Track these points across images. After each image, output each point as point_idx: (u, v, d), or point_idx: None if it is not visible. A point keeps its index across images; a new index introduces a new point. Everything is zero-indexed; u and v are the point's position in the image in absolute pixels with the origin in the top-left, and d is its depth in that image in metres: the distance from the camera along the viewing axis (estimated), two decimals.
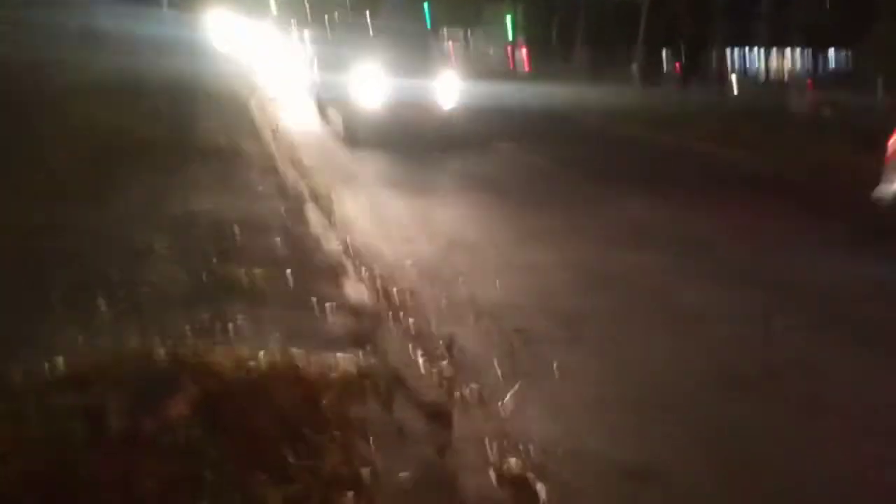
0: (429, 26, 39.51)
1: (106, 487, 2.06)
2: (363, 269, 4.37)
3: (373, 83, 9.64)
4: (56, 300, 3.36)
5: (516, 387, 3.08)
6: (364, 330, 3.34)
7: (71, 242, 4.21)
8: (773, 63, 34.98)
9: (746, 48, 35.63)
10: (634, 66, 27.12)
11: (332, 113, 11.08)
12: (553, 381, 3.25)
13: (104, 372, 2.64)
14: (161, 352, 2.82)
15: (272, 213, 5.20)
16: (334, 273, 4.08)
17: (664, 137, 12.29)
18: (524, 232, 5.94)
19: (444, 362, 3.20)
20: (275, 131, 9.71)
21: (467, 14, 39.98)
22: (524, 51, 32.24)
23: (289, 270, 3.99)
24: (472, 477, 2.33)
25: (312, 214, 5.35)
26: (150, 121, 8.37)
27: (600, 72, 28.51)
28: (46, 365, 2.64)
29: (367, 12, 17.66)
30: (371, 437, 2.42)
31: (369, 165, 8.70)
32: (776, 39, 33.24)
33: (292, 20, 20.23)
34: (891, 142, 6.16)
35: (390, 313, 3.70)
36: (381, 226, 5.86)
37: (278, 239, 4.58)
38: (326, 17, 17.31)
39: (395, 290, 4.10)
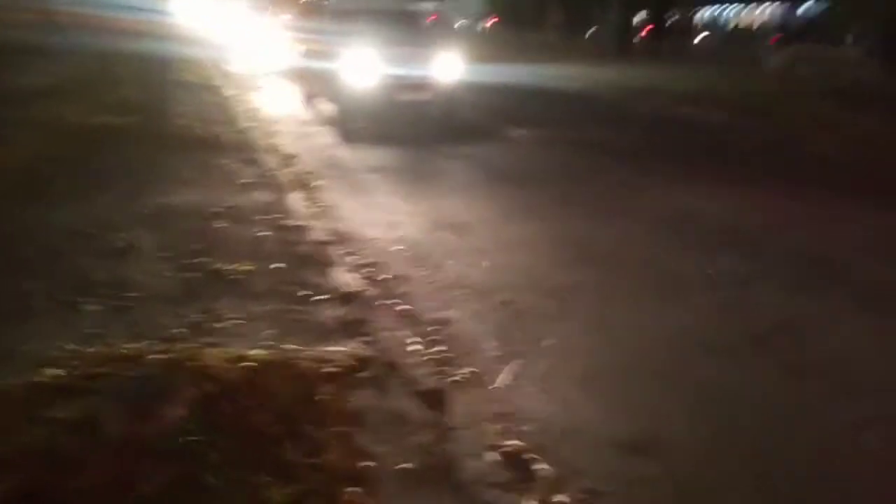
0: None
1: (105, 496, 2.05)
2: (353, 256, 4.33)
3: (364, 66, 8.78)
4: (39, 304, 3.32)
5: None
6: (356, 318, 3.34)
7: (50, 241, 4.13)
8: (747, 17, 35.00)
9: (719, 4, 35.58)
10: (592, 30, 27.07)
11: (321, 100, 10.25)
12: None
13: (97, 378, 2.62)
14: (153, 354, 2.80)
15: (256, 204, 5.10)
16: (323, 263, 4.05)
17: (683, 109, 12.09)
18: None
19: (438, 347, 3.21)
20: (255, 119, 9.13)
21: None
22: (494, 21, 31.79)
23: (277, 263, 3.95)
24: (473, 461, 2.35)
25: (298, 205, 5.25)
26: (124, 112, 8.11)
27: (574, 41, 28.40)
28: (36, 373, 2.61)
29: None
30: (370, 429, 2.43)
31: (365, 159, 7.55)
32: None
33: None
34: None
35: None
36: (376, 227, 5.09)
37: (264, 230, 4.52)
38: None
39: (386, 276, 4.08)
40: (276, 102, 11.37)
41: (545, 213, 5.73)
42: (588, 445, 2.61)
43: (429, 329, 3.43)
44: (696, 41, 26.39)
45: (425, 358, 3.07)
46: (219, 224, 4.59)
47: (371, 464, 2.24)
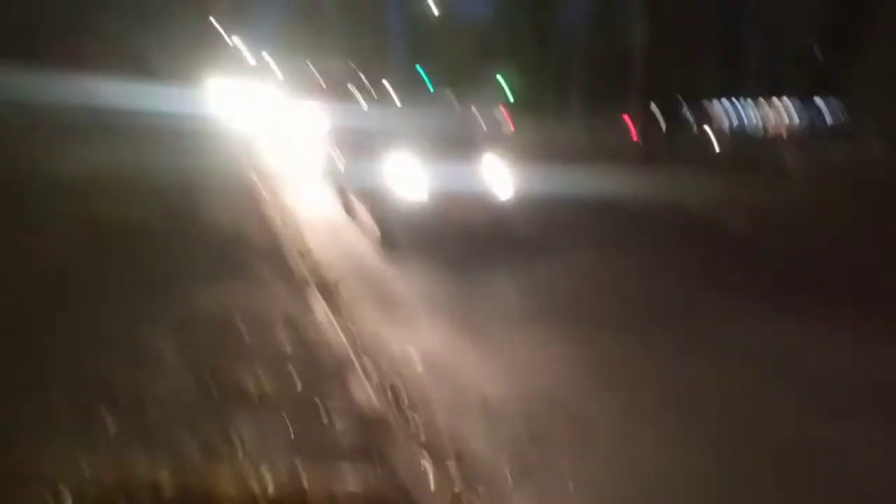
0: (431, 90, 40.63)
1: None
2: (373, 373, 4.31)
3: (405, 166, 8.16)
4: (61, 418, 3.34)
5: None
6: (372, 438, 3.31)
7: (75, 347, 4.20)
8: (766, 114, 35.66)
9: (734, 98, 36.40)
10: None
11: (356, 202, 9.55)
12: None
13: None
14: (167, 479, 2.78)
15: (283, 313, 5.11)
16: (343, 376, 4.05)
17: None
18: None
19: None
20: (291, 221, 8.96)
21: (460, 75, 41.17)
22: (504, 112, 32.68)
23: (296, 373, 3.96)
24: None
25: (326, 317, 5.21)
26: (155, 209, 8.34)
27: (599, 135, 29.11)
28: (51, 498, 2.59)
29: (387, 81, 17.78)
30: None
31: (406, 275, 7.08)
32: (767, 89, 34.07)
33: (305, 90, 19.09)
34: None
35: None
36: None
37: (286, 339, 4.54)
38: (343, 86, 17.01)
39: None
40: (313, 204, 10.99)
41: (628, 377, 4.52)
42: None
43: (448, 463, 3.34)
44: (713, 138, 26.88)
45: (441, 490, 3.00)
46: (243, 333, 4.63)
47: None
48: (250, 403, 3.64)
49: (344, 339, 4.71)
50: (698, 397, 4.21)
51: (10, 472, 2.81)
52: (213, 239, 7.40)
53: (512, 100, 36.00)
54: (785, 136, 30.66)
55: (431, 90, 40.44)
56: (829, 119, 30.76)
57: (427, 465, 3.19)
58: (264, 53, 53.67)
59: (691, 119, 28.32)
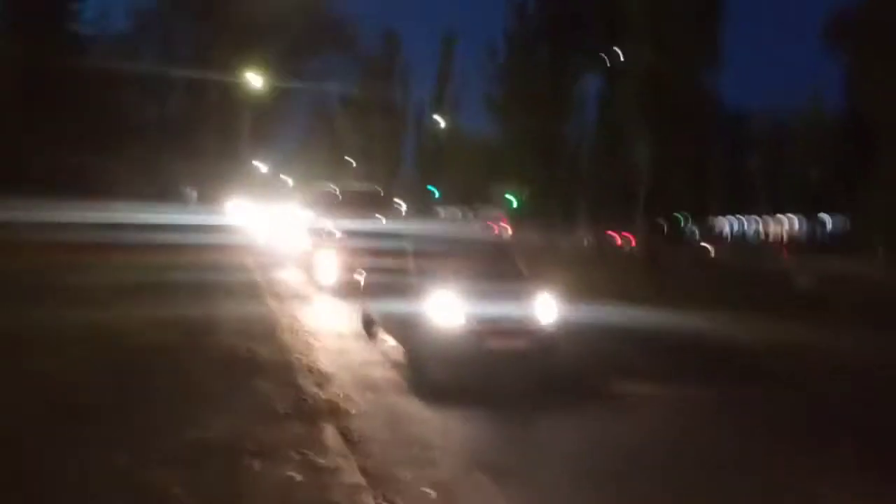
0: (438, 203, 41.71)
1: None
2: None
3: (443, 299, 7.28)
4: None
5: None
6: None
7: (83, 480, 4.23)
8: (770, 228, 36.41)
9: (741, 216, 37.33)
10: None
11: (384, 333, 8.88)
12: None
13: None
14: None
15: (292, 442, 5.11)
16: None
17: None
18: None
19: None
20: (308, 352, 8.23)
21: (468, 190, 42.58)
22: (504, 223, 33.49)
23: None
24: None
25: (344, 464, 4.92)
26: (172, 329, 8.49)
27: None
28: None
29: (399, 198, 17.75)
30: None
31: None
32: (772, 207, 34.97)
33: (324, 207, 17.79)
34: None
35: None
36: None
37: (296, 475, 4.58)
38: (361, 204, 16.72)
39: None
40: (331, 330, 10.06)
41: None
42: None
43: None
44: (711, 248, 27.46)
45: None
46: (252, 463, 4.72)
47: None
48: None
49: None
50: None
51: None
52: (228, 359, 7.45)
53: (517, 211, 36.93)
54: (785, 246, 31.30)
55: (438, 203, 41.63)
56: (829, 232, 31.40)
57: None
58: (283, 175, 56.15)
59: (695, 231, 28.93)
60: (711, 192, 28.05)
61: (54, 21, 25.51)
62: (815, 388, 8.29)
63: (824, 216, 32.83)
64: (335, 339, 9.58)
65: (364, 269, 10.06)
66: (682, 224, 28.99)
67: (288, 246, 20.12)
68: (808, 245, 30.59)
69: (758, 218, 36.52)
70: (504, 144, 41.89)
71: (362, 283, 10.04)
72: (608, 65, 31.63)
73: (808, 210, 33.01)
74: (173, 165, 26.81)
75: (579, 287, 12.06)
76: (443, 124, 45.33)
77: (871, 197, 24.56)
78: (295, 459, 4.77)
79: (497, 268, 8.32)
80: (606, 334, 10.15)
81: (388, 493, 4.48)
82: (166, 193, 24.06)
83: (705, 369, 9.06)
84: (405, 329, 7.79)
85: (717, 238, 31.48)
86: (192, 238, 18.46)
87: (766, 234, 35.95)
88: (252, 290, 13.29)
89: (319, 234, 15.77)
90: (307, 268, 16.27)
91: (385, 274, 8.73)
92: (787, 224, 35.38)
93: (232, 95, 33.49)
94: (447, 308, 7.22)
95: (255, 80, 31.68)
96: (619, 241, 34.84)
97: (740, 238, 35.42)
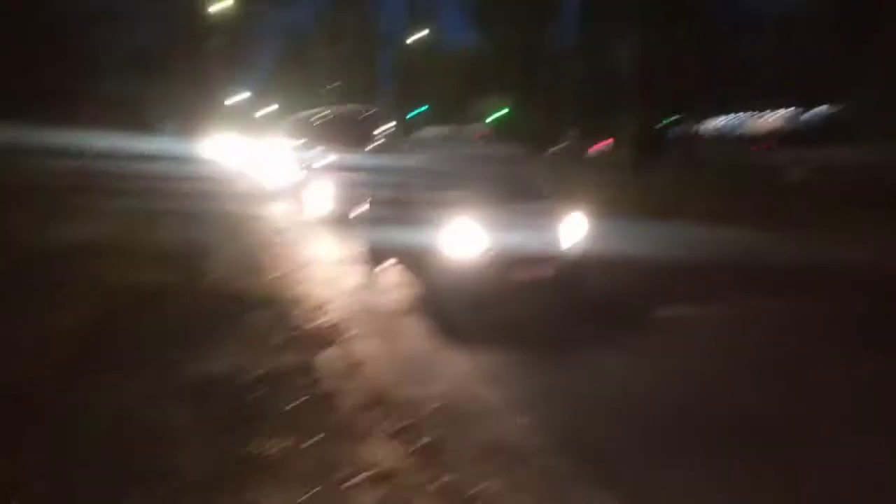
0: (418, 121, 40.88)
1: None
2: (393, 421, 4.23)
3: (459, 227, 6.39)
4: (85, 500, 3.34)
5: None
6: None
7: (94, 421, 4.18)
8: (764, 122, 35.96)
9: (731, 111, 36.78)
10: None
11: (392, 269, 8.01)
12: None
13: None
14: None
15: (295, 369, 5.06)
16: (363, 434, 4.00)
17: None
18: None
19: None
20: (309, 299, 7.24)
21: (457, 109, 41.61)
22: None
23: (316, 437, 3.92)
24: None
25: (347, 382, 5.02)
26: (164, 267, 8.18)
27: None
28: None
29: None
30: None
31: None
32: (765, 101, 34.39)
33: (307, 134, 16.63)
34: None
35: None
36: None
37: (304, 400, 4.50)
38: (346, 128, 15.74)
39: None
40: (332, 266, 9.21)
41: None
42: None
43: None
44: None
45: None
46: (258, 393, 4.60)
47: None
48: (267, 468, 3.60)
49: None
50: None
51: None
52: (227, 296, 7.17)
53: (502, 123, 36.40)
54: (767, 141, 31.11)
55: (421, 122, 40.94)
56: (824, 120, 31.02)
57: None
58: (262, 102, 54.67)
59: (684, 132, 28.48)
60: (706, 86, 27.25)
61: None
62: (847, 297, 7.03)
63: (819, 106, 32.35)
64: (337, 271, 8.82)
65: (365, 199, 9.07)
66: (671, 126, 28.52)
67: (275, 177, 19.10)
68: (803, 136, 30.23)
69: (751, 112, 36.00)
70: (485, 54, 40.78)
71: (363, 213, 9.07)
72: None
73: (804, 100, 32.47)
74: (146, 97, 25.83)
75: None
76: (418, 37, 43.77)
77: (866, 83, 24.08)
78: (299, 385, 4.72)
79: (515, 188, 7.47)
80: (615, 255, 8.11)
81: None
82: (139, 124, 23.25)
83: (737, 283, 7.69)
84: (417, 262, 7.00)
85: (705, 136, 31.14)
86: (168, 169, 17.98)
87: (757, 129, 35.58)
88: (241, 224, 12.91)
89: (309, 164, 14.72)
90: (299, 200, 15.24)
91: (389, 204, 7.94)
92: (779, 116, 34.94)
93: (200, 21, 32.08)
94: (465, 237, 6.36)
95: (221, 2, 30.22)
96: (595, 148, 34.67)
97: (733, 134, 35.02)
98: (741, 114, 36.96)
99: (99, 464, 3.71)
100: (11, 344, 5.37)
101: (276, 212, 15.37)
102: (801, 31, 31.00)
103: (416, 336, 6.20)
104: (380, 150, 8.64)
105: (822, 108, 31.88)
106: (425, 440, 3.97)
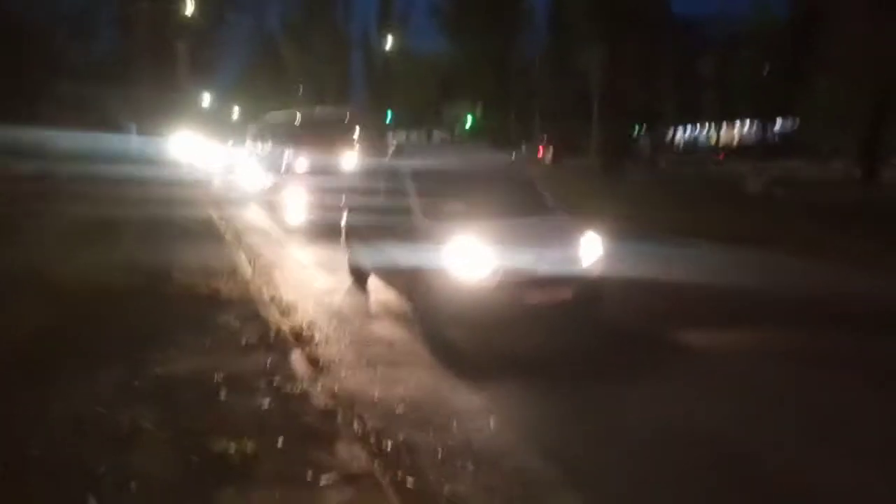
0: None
1: None
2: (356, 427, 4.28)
3: (462, 244, 5.77)
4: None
5: None
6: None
7: (55, 427, 4.11)
8: (723, 134, 36.90)
9: (692, 124, 37.65)
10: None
11: (382, 288, 7.40)
12: None
13: None
14: None
15: (258, 370, 5.06)
16: (326, 437, 4.04)
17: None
18: None
19: None
20: (287, 314, 6.75)
21: (427, 115, 41.82)
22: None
23: (279, 438, 3.95)
24: None
25: (301, 368, 5.20)
26: (129, 271, 8.05)
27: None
28: None
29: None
30: None
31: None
32: (723, 114, 35.31)
33: (277, 137, 16.24)
34: None
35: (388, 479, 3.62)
36: None
37: (266, 400, 4.53)
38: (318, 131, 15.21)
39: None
40: (312, 280, 8.57)
41: None
42: None
43: None
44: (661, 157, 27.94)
45: None
46: (221, 394, 4.60)
47: None
48: (232, 469, 3.62)
49: None
50: None
51: None
52: (197, 297, 7.15)
53: (471, 130, 36.60)
54: (723, 153, 32.06)
55: (389, 127, 40.90)
56: (777, 136, 32.04)
57: None
58: (231, 106, 54.06)
59: (648, 141, 29.12)
60: (665, 100, 28.00)
61: None
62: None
63: (775, 120, 33.37)
64: (325, 298, 7.73)
65: (346, 207, 8.39)
66: (636, 134, 29.12)
67: (245, 182, 18.67)
68: (759, 149, 31.14)
69: (710, 125, 36.89)
70: (456, 62, 40.97)
71: (345, 224, 8.33)
72: None
73: (759, 114, 33.48)
74: (111, 98, 25.43)
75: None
76: (389, 43, 43.83)
77: (816, 97, 24.92)
78: (263, 388, 4.70)
79: (517, 199, 6.79)
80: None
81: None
82: (104, 125, 22.86)
83: (755, 310, 7.13)
84: (412, 282, 6.25)
85: (667, 147, 31.88)
86: (129, 172, 17.59)
87: (718, 141, 36.46)
88: (210, 231, 12.49)
89: (281, 169, 14.24)
90: (271, 206, 14.69)
91: (375, 214, 7.23)
92: (738, 129, 35.90)
93: (164, 24, 31.65)
94: (469, 255, 5.67)
95: (186, 6, 29.88)
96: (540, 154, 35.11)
97: (692, 146, 35.90)
98: (706, 124, 37.80)
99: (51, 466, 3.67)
100: None
101: (245, 221, 14.86)
102: (753, 49, 31.98)
103: (421, 372, 5.36)
104: (386, 155, 7.90)
105: (779, 123, 32.86)
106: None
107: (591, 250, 6.13)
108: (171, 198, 16.27)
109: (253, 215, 15.40)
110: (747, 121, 35.38)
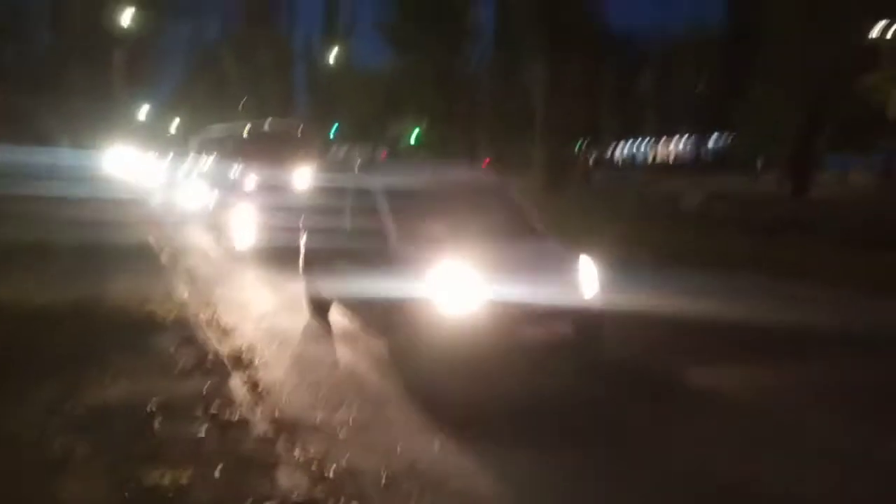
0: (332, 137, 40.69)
1: None
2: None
3: (446, 273, 5.15)
4: None
5: None
6: None
7: None
8: (659, 150, 38.18)
9: (633, 139, 38.85)
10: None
11: (346, 321, 6.76)
12: None
13: None
14: None
15: (195, 397, 4.96)
16: (267, 464, 3.96)
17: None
18: None
19: None
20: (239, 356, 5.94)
21: (372, 129, 41.77)
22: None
23: (217, 467, 3.86)
24: None
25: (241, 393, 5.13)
26: (55, 293, 7.74)
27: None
28: None
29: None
30: None
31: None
32: (662, 129, 36.58)
33: (220, 151, 15.39)
34: None
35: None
36: None
37: (204, 428, 4.42)
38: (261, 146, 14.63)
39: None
40: (264, 312, 7.88)
41: None
42: None
43: None
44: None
45: None
46: (156, 423, 4.47)
47: None
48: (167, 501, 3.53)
49: None
50: None
51: None
52: (128, 321, 6.92)
53: (415, 146, 36.72)
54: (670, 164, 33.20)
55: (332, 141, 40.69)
56: (713, 150, 33.33)
57: None
58: (171, 118, 52.71)
59: (588, 156, 29.84)
60: (606, 116, 28.79)
61: None
62: None
63: (712, 135, 34.74)
64: (282, 335, 6.88)
65: (304, 229, 7.63)
66: (578, 151, 29.83)
67: (186, 200, 17.66)
68: (693, 165, 32.34)
69: (648, 139, 38.07)
70: (400, 76, 41.07)
71: (303, 247, 7.58)
72: None
73: (697, 129, 34.80)
74: (39, 109, 24.46)
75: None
76: (334, 56, 43.65)
77: (750, 112, 25.95)
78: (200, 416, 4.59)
79: (501, 223, 6.16)
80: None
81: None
82: (32, 139, 21.93)
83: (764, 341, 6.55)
84: (385, 315, 5.59)
85: (604, 163, 32.79)
86: (65, 190, 16.86)
87: (655, 156, 37.66)
88: (147, 254, 11.63)
89: (228, 185, 13.45)
90: (214, 228, 13.84)
91: (337, 236, 6.62)
92: (674, 145, 37.17)
93: (100, 31, 30.70)
94: (455, 285, 5.07)
95: (122, 13, 29.06)
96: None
97: (630, 161, 37.01)
98: (643, 140, 38.99)
99: None
100: None
101: (187, 244, 13.66)
102: (687, 65, 33.24)
103: (399, 428, 4.61)
104: (333, 169, 7.41)
105: (714, 137, 34.18)
106: None
107: (589, 279, 5.59)
108: (105, 219, 15.66)
109: (196, 238, 14.52)
110: (684, 136, 36.66)
